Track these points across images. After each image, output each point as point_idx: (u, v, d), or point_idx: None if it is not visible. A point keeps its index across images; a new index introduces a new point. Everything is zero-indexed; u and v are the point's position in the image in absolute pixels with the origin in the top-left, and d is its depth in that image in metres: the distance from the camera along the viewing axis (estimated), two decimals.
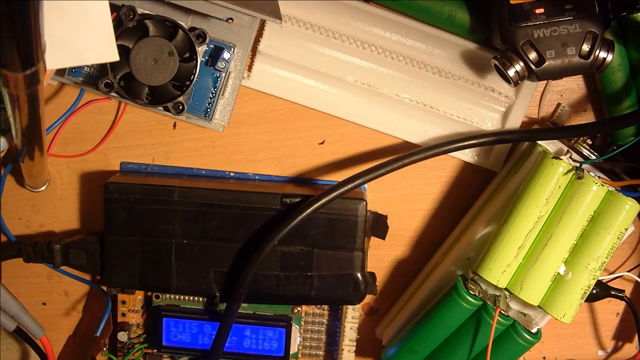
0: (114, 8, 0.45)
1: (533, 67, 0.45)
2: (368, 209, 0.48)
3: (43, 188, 0.52)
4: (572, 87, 0.51)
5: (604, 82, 0.48)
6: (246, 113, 0.51)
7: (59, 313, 0.54)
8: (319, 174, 0.52)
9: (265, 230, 0.47)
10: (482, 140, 0.47)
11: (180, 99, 0.47)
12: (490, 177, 0.51)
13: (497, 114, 0.51)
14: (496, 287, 0.46)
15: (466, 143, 0.47)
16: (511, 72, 0.45)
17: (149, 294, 0.51)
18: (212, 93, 0.49)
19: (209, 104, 0.49)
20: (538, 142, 0.48)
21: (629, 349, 0.55)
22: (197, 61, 0.47)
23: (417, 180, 0.52)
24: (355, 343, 0.51)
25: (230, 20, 0.48)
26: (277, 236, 0.46)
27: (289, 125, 0.51)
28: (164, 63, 0.46)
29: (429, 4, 0.47)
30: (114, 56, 0.38)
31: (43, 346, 0.52)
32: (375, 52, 0.50)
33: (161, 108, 0.48)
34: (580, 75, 0.51)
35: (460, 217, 0.52)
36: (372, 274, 0.50)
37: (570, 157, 0.46)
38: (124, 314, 0.52)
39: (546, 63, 0.45)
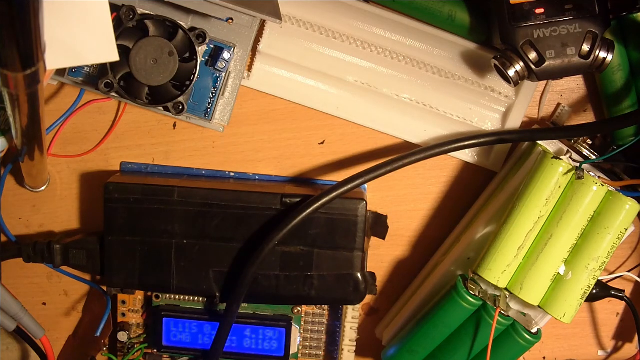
0: (114, 8, 0.45)
1: (533, 67, 0.45)
2: (368, 209, 0.48)
3: (43, 188, 0.52)
4: (572, 87, 0.51)
5: (604, 82, 0.48)
6: (246, 113, 0.51)
7: (59, 313, 0.54)
8: (319, 174, 0.52)
9: (265, 230, 0.47)
10: (482, 140, 0.47)
11: (180, 99, 0.47)
12: (490, 177, 0.51)
13: (497, 114, 0.51)
14: (496, 287, 0.46)
15: (466, 143, 0.47)
16: (511, 72, 0.45)
17: (149, 294, 0.51)
18: (212, 93, 0.49)
19: (209, 104, 0.49)
20: (538, 142, 0.48)
21: (629, 349, 0.55)
22: (197, 61, 0.47)
23: (417, 180, 0.52)
24: (355, 343, 0.51)
25: (230, 20, 0.48)
26: (277, 236, 0.46)
27: (289, 125, 0.51)
28: (164, 63, 0.46)
29: (429, 4, 0.47)
30: (114, 56, 0.38)
31: (43, 346, 0.52)
32: (375, 52, 0.50)
33: (161, 108, 0.48)
34: (580, 75, 0.51)
35: (460, 217, 0.52)
36: (372, 274, 0.50)
37: (570, 157, 0.46)
38: (124, 314, 0.52)
39: (546, 63, 0.45)
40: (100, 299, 0.53)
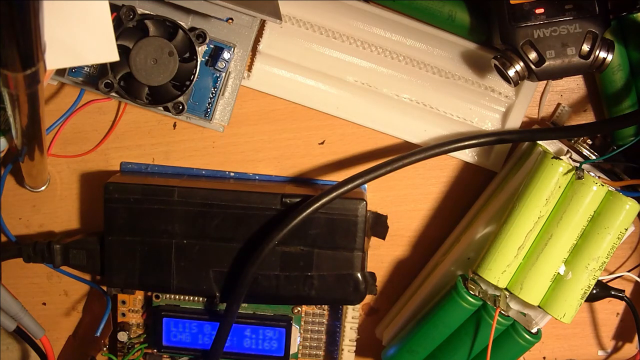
0: (114, 8, 0.45)
1: (533, 67, 0.45)
2: (368, 209, 0.48)
3: (43, 188, 0.52)
4: (572, 87, 0.51)
5: (604, 82, 0.48)
6: (246, 113, 0.51)
7: (59, 313, 0.54)
8: (319, 174, 0.52)
9: (265, 230, 0.47)
10: (482, 140, 0.47)
11: (180, 99, 0.47)
12: (490, 177, 0.51)
13: (497, 114, 0.51)
14: (496, 287, 0.46)
15: (466, 143, 0.47)
16: (511, 72, 0.45)
17: (149, 294, 0.51)
18: (212, 93, 0.49)
19: (209, 104, 0.49)
20: (538, 142, 0.48)
21: (629, 349, 0.55)
22: (197, 61, 0.47)
23: (417, 180, 0.52)
24: (355, 343, 0.51)
25: (230, 20, 0.48)
26: (277, 236, 0.46)
27: (289, 125, 0.51)
28: (164, 63, 0.46)
29: (429, 4, 0.47)
30: (114, 56, 0.38)
31: (43, 346, 0.52)
32: (375, 52, 0.50)
33: (161, 108, 0.48)
34: (580, 75, 0.51)
35: (460, 217, 0.52)
36: (372, 274, 0.50)
37: (570, 157, 0.46)
38: (124, 314, 0.52)
39: (546, 63, 0.45)
40: (100, 299, 0.53)
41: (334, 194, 0.46)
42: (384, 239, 0.50)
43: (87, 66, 0.48)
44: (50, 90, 0.50)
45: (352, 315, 0.51)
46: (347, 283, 0.48)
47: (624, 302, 0.51)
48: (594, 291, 0.48)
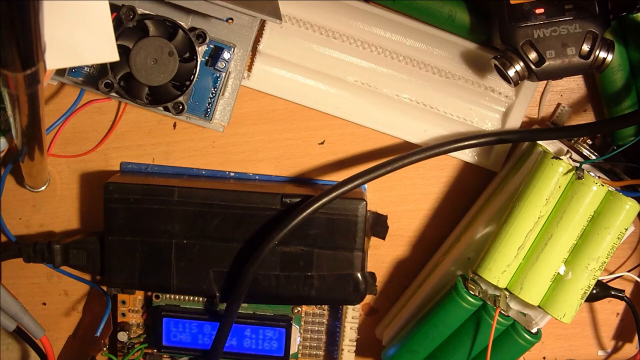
0: (114, 8, 0.45)
1: (533, 67, 0.45)
2: (368, 209, 0.48)
3: (43, 188, 0.52)
4: (572, 87, 0.51)
5: (604, 82, 0.48)
6: (246, 113, 0.51)
7: (59, 313, 0.54)
8: (319, 174, 0.52)
9: (265, 230, 0.47)
10: (482, 140, 0.47)
11: (180, 99, 0.47)
12: (490, 177, 0.51)
13: (497, 114, 0.51)
14: (496, 287, 0.46)
15: (466, 143, 0.47)
16: (511, 72, 0.45)
17: (149, 294, 0.51)
18: (212, 93, 0.49)
19: (209, 104, 0.49)
20: (538, 142, 0.48)
21: (629, 349, 0.55)
22: (197, 61, 0.47)
23: (417, 180, 0.52)
24: (355, 343, 0.51)
25: (230, 20, 0.48)
26: (277, 236, 0.46)
27: (289, 125, 0.51)
28: (164, 63, 0.46)
29: (429, 4, 0.47)
30: (114, 56, 0.38)
31: (43, 346, 0.52)
32: (375, 52, 0.50)
33: (161, 108, 0.48)
34: (580, 75, 0.51)
35: (460, 217, 0.52)
36: (372, 274, 0.50)
37: (570, 157, 0.46)
38: (124, 314, 0.52)
39: (546, 63, 0.45)
40: (100, 299, 0.53)
41: (334, 194, 0.46)
42: (384, 239, 0.50)
43: (87, 66, 0.48)
44: (50, 90, 0.50)
45: (352, 315, 0.51)
46: (347, 283, 0.48)
47: (624, 302, 0.51)
48: (594, 291, 0.48)
